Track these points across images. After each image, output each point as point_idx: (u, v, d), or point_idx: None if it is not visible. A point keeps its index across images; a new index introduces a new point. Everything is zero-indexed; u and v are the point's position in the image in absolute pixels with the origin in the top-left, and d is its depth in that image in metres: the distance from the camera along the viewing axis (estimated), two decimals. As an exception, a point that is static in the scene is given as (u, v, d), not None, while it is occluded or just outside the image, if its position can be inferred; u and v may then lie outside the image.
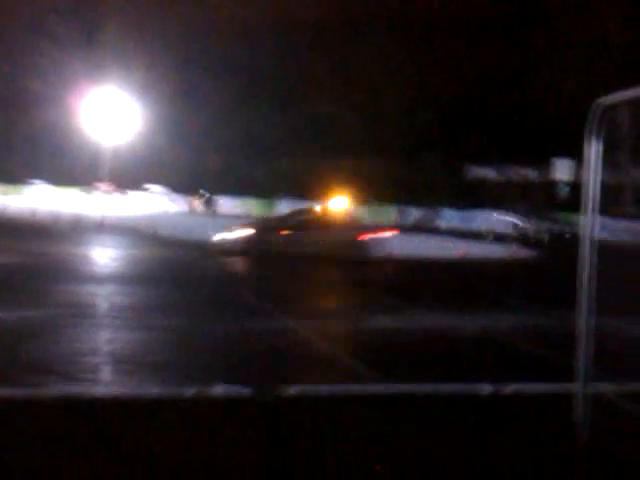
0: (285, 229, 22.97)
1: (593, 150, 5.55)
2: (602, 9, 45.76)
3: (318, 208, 25.29)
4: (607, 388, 7.12)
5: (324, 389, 7.64)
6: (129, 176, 60.41)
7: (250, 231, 23.20)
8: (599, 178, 5.69)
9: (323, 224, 23.07)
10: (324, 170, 59.39)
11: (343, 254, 21.81)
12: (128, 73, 51.60)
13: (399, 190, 52.49)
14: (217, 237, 23.83)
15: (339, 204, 26.89)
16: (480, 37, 53.88)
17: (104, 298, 13.72)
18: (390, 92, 56.98)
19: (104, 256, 21.96)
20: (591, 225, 5.62)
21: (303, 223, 23.26)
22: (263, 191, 59.02)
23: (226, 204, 61.07)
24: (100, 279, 16.61)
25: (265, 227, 23.93)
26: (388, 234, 24.16)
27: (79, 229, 31.06)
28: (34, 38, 58.58)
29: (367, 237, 22.89)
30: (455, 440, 6.22)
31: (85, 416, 6.49)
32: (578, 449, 5.42)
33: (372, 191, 52.75)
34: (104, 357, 8.90)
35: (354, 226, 23.87)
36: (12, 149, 62.82)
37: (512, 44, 52.58)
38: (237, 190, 60.16)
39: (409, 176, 56.29)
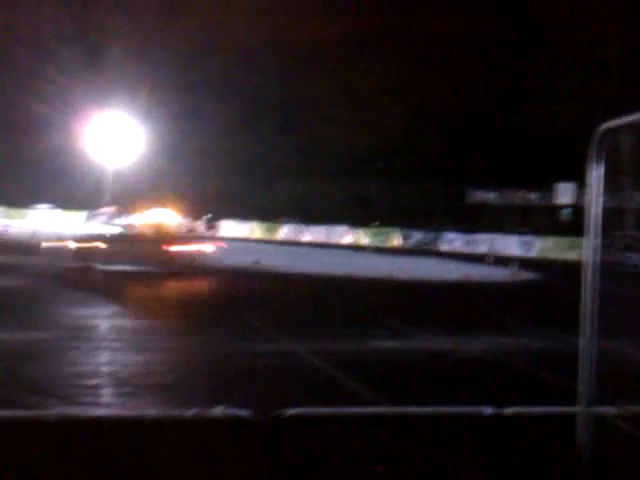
0: (100, 242, 22.99)
1: (595, 174, 5.56)
2: (601, 31, 45.99)
3: (144, 221, 25.21)
4: (610, 411, 7.09)
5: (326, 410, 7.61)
6: (133, 199, 60.57)
7: (72, 243, 23.32)
8: (601, 202, 5.70)
9: (137, 237, 23.11)
10: (328, 193, 59.53)
11: (150, 266, 21.83)
12: (131, 97, 51.89)
13: (402, 213, 52.55)
14: (44, 244, 24.78)
15: (170, 217, 26.66)
16: (481, 60, 54.14)
17: (102, 319, 13.71)
18: (392, 115, 57.18)
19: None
20: (594, 248, 5.63)
21: (117, 237, 23.30)
22: (266, 214, 59.12)
23: (228, 227, 61.20)
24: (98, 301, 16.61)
25: (83, 240, 23.96)
26: (206, 247, 24.05)
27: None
28: (38, 62, 58.96)
29: (173, 249, 22.77)
30: (455, 462, 6.19)
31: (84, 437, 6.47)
32: (580, 471, 5.39)
33: (375, 214, 52.84)
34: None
35: (167, 239, 23.48)
36: (16, 173, 63.02)
37: (513, 67, 52.81)
38: (240, 213, 60.27)
39: (411, 199, 56.39)
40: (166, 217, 25.83)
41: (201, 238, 26.37)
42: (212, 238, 27.07)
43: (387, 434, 6.99)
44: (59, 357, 10.04)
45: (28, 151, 61.18)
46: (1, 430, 6.48)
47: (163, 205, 28.90)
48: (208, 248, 23.91)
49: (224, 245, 25.62)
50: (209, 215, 62.14)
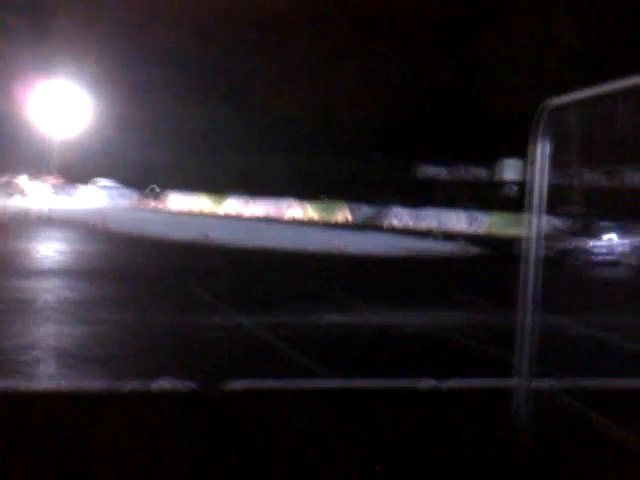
0: None
1: (540, 150, 5.60)
2: (551, 9, 46.34)
3: None
4: (548, 384, 7.21)
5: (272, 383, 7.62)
6: (79, 169, 59.70)
7: None
8: (546, 178, 5.74)
9: None
10: (274, 166, 59.33)
11: None
12: (79, 66, 50.94)
13: (350, 187, 52.57)
14: None
15: None
16: (431, 36, 54.18)
17: (47, 292, 13.50)
18: (341, 90, 57.04)
19: (49, 250, 21.61)
20: (537, 224, 5.67)
21: None
22: (213, 186, 58.72)
23: (177, 199, 60.70)
24: (42, 273, 16.36)
25: None
26: None
27: (26, 222, 30.58)
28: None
29: None
30: (398, 433, 6.24)
31: (26, 409, 6.38)
32: (517, 443, 5.47)
33: (322, 188, 52.81)
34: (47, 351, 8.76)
35: None
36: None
37: (463, 44, 52.96)
38: (189, 185, 59.79)
39: (360, 174, 56.44)
40: None
41: None
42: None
43: (333, 407, 7.03)
44: None
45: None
46: None
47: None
48: None
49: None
50: (153, 186, 61.57)
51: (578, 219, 29.76)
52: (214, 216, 49.86)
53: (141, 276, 16.97)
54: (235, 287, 16.15)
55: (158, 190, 61.87)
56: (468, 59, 52.25)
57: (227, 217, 50.21)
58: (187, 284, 15.76)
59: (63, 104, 38.62)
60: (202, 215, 50.00)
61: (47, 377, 7.75)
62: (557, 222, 29.93)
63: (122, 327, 10.53)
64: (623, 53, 37.99)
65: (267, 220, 46.88)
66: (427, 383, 7.63)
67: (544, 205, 5.70)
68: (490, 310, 13.96)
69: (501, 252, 26.81)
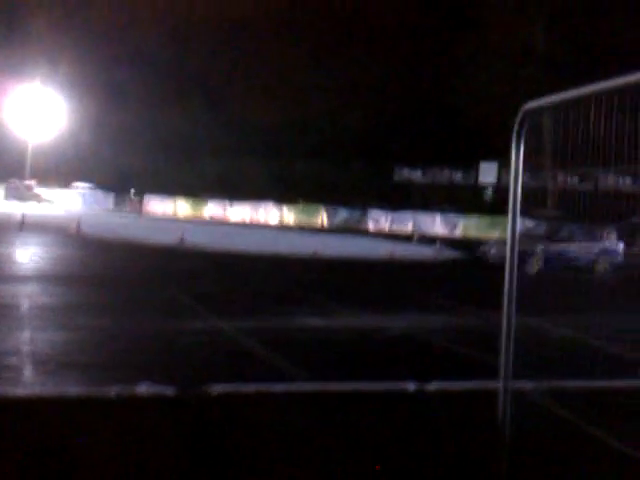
0: None
1: (516, 154, 5.67)
2: (528, 15, 46.78)
3: None
4: (529, 386, 7.29)
5: (252, 387, 7.64)
6: (53, 173, 59.36)
7: None
8: (521, 181, 5.80)
9: None
10: (253, 171, 59.34)
11: None
12: (53, 69, 50.66)
13: (327, 191, 52.72)
14: None
15: None
16: (410, 41, 54.45)
17: (23, 298, 13.43)
18: (318, 94, 57.17)
19: (22, 255, 21.47)
20: (513, 226, 5.74)
21: None
22: (191, 190, 58.65)
23: (155, 203, 60.54)
24: (16, 279, 16.26)
25: None
26: None
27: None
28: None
29: None
30: (378, 436, 6.29)
31: (8, 414, 6.37)
32: (500, 445, 5.53)
33: (300, 192, 52.90)
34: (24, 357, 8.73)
35: None
36: None
37: (441, 49, 53.28)
38: (166, 189, 59.66)
39: (337, 177, 56.59)
40: None
41: None
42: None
43: (315, 410, 7.07)
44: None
45: None
46: None
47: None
48: None
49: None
50: (132, 191, 61.37)
51: (550, 222, 29.90)
52: (192, 220, 49.75)
53: (119, 281, 16.92)
54: (215, 291, 16.14)
55: (135, 194, 61.69)
56: (447, 64, 52.57)
57: (206, 221, 50.11)
58: (166, 288, 15.74)
59: (38, 107, 38.42)
60: (180, 220, 49.88)
61: (29, 383, 7.73)
62: (530, 225, 30.07)
63: (100, 332, 10.51)
64: (597, 58, 38.42)
65: (246, 224, 46.84)
66: (409, 386, 7.69)
67: (518, 208, 5.76)
68: (469, 313, 14.07)
69: (476, 256, 26.98)
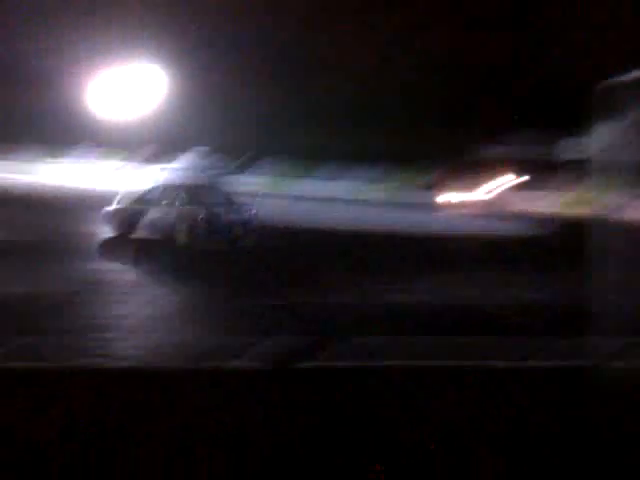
0: None
1: (598, 129, 5.67)
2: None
3: None
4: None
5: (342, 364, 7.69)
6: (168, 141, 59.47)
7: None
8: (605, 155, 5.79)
9: None
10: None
11: None
12: (158, 45, 51.17)
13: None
14: None
15: None
16: (494, 13, 53.27)
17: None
18: (402, 65, 56.16)
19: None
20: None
21: None
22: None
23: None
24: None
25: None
26: None
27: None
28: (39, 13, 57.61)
29: None
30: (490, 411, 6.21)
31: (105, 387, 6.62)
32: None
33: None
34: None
35: None
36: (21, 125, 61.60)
37: (525, 22, 52.08)
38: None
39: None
40: None
41: None
42: None
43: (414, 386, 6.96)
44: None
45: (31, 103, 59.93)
46: (31, 380, 6.69)
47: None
48: None
49: None
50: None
51: None
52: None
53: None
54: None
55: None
56: (531, 37, 51.36)
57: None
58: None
59: (139, 85, 39.52)
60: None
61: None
62: None
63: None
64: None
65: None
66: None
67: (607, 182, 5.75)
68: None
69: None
